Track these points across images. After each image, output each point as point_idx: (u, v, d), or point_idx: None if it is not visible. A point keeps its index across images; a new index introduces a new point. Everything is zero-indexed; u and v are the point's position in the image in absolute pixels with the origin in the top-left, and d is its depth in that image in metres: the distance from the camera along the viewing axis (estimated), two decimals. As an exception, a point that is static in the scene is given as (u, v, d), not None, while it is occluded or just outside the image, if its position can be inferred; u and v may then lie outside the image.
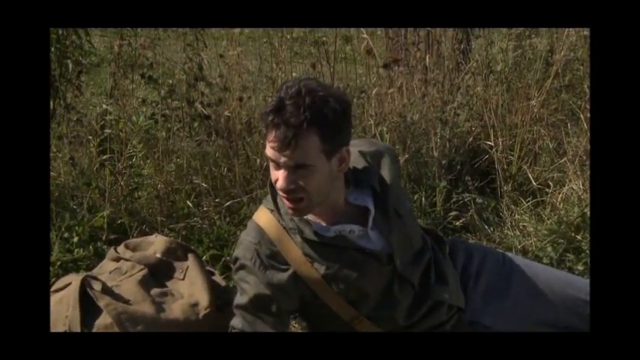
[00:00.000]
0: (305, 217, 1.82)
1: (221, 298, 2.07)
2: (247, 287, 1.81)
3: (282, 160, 1.71)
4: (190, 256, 2.13)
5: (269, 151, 1.73)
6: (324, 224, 1.84)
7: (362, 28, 3.63)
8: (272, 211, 1.85)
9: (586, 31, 3.68)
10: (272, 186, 1.84)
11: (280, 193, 1.77)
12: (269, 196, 1.88)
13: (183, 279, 2.08)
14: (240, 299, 1.83)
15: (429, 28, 3.71)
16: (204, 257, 2.75)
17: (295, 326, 2.39)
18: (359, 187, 1.90)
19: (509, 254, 2.16)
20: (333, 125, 1.71)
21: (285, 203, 1.79)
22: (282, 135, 1.68)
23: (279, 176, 1.74)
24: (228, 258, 2.80)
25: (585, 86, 3.75)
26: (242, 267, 1.83)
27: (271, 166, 1.76)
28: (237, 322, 1.83)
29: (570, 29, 3.66)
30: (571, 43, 3.73)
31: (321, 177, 1.74)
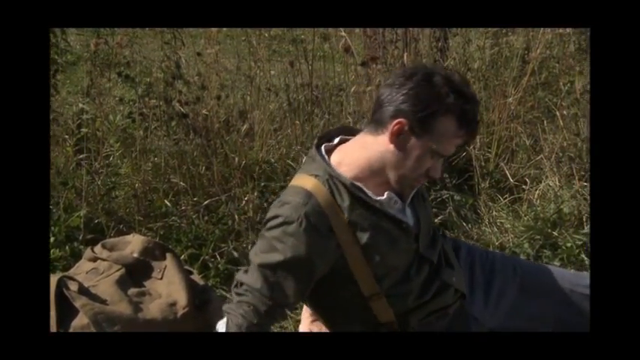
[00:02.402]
0: (356, 183, 1.81)
1: (199, 297, 2.06)
2: (283, 247, 1.74)
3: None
4: (168, 256, 2.11)
5: (454, 142, 1.79)
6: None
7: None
8: (317, 176, 1.81)
9: (561, 30, 3.72)
10: (318, 151, 1.86)
11: (426, 180, 1.85)
12: (310, 165, 1.86)
13: (161, 278, 2.07)
14: (267, 257, 1.75)
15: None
16: (183, 256, 2.74)
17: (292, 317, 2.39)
18: None
19: (491, 250, 2.18)
20: None
21: (414, 185, 1.86)
22: (477, 123, 1.81)
23: (436, 165, 1.81)
24: (206, 257, 2.80)
25: (561, 84, 3.78)
26: (283, 226, 1.74)
27: (424, 160, 1.78)
28: (252, 281, 1.75)
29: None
30: (547, 41, 3.76)
31: None
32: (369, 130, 1.83)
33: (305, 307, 2.16)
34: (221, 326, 1.77)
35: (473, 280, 2.02)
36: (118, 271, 2.03)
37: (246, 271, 1.80)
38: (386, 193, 1.83)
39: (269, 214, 1.81)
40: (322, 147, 1.89)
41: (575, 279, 2.06)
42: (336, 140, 1.91)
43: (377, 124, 1.81)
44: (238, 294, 1.78)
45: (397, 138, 1.77)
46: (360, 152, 1.83)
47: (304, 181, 1.82)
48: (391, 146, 1.78)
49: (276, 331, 2.50)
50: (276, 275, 1.74)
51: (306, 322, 2.14)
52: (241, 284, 1.78)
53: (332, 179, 1.80)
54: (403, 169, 1.80)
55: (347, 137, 1.91)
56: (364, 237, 1.79)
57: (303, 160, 1.94)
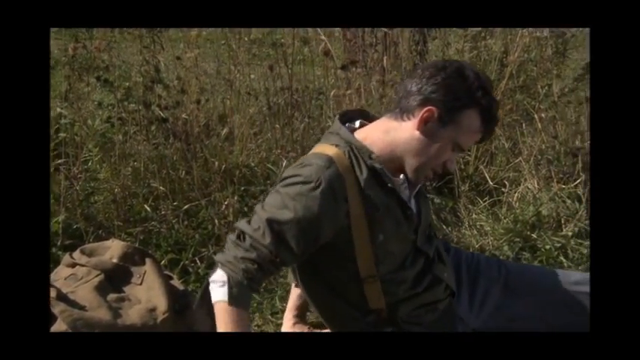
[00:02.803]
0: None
1: (179, 302, 2.05)
2: (295, 206, 1.73)
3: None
4: (148, 261, 2.11)
5: (475, 137, 1.84)
6: None
7: (319, 30, 3.64)
8: (337, 146, 1.82)
9: (538, 32, 3.75)
10: (343, 122, 1.89)
11: (440, 171, 1.88)
12: (331, 137, 1.87)
13: (140, 284, 2.06)
14: (277, 213, 1.74)
15: (385, 30, 3.73)
16: (163, 261, 2.73)
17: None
18: None
19: (477, 252, 2.20)
20: None
21: (428, 175, 1.88)
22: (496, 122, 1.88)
23: (452, 158, 1.85)
24: (186, 262, 2.79)
25: (539, 87, 3.81)
26: (300, 185, 1.74)
27: (445, 150, 1.82)
28: (259, 235, 1.72)
29: (524, 31, 3.72)
30: (524, 45, 3.79)
31: None
32: (393, 116, 1.86)
33: (287, 310, 2.17)
34: (218, 284, 1.72)
35: (458, 281, 2.04)
36: (96, 276, 2.02)
37: (248, 222, 1.77)
38: (401, 176, 1.85)
39: (288, 173, 1.81)
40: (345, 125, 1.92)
41: (563, 277, 2.07)
42: (357, 123, 1.93)
43: (403, 111, 1.83)
44: (240, 247, 1.74)
45: (425, 125, 1.80)
46: (382, 135, 1.85)
47: (325, 148, 1.83)
48: (417, 133, 1.81)
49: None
50: (284, 232, 1.73)
51: (288, 324, 2.15)
52: (244, 237, 1.75)
53: (353, 151, 1.82)
54: (424, 158, 1.82)
55: (365, 122, 1.93)
56: (374, 213, 1.80)
57: (324, 135, 1.95)
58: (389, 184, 1.82)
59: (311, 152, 1.88)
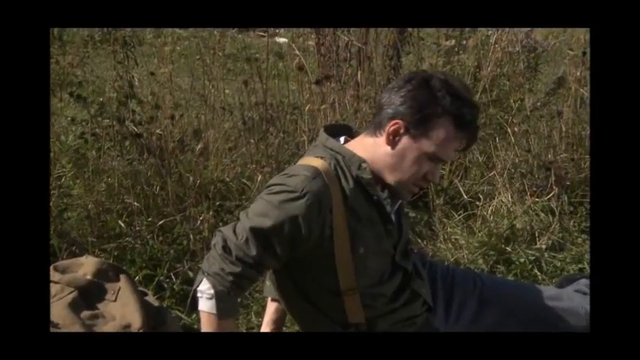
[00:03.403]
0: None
1: (154, 318, 2.03)
2: (278, 214, 1.73)
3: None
4: (122, 277, 2.09)
5: (453, 146, 1.82)
6: None
7: (293, 45, 3.66)
8: (323, 158, 1.82)
9: (510, 48, 3.80)
10: (329, 135, 1.89)
11: (425, 184, 1.89)
12: (315, 149, 1.88)
13: (114, 300, 2.04)
14: (261, 221, 1.73)
15: (359, 45, 3.76)
16: (137, 277, 2.70)
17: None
18: None
19: (452, 265, 2.21)
20: None
21: (412, 190, 1.87)
22: (476, 127, 1.86)
23: (434, 170, 1.83)
24: (161, 278, 2.77)
25: (511, 101, 3.86)
26: (285, 194, 1.75)
27: (421, 163, 1.80)
28: (245, 247, 1.73)
29: (496, 45, 3.77)
30: (497, 59, 3.83)
31: None
32: (369, 133, 1.86)
33: (264, 324, 2.16)
34: (206, 295, 1.74)
35: (434, 294, 2.04)
36: (70, 293, 2.00)
37: (233, 230, 1.76)
38: (386, 191, 1.85)
39: (274, 181, 1.81)
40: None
41: (538, 292, 2.10)
42: (342, 139, 1.93)
43: (376, 126, 1.84)
44: (227, 260, 1.74)
45: (393, 139, 1.80)
46: (363, 152, 1.85)
47: (311, 161, 1.83)
48: (388, 148, 1.81)
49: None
50: (268, 240, 1.74)
51: None
52: (230, 249, 1.74)
53: (339, 163, 1.82)
54: (400, 173, 1.82)
55: (348, 138, 1.94)
56: (357, 225, 1.80)
57: (308, 148, 1.97)
58: (374, 197, 1.83)
59: (298, 164, 1.88)
